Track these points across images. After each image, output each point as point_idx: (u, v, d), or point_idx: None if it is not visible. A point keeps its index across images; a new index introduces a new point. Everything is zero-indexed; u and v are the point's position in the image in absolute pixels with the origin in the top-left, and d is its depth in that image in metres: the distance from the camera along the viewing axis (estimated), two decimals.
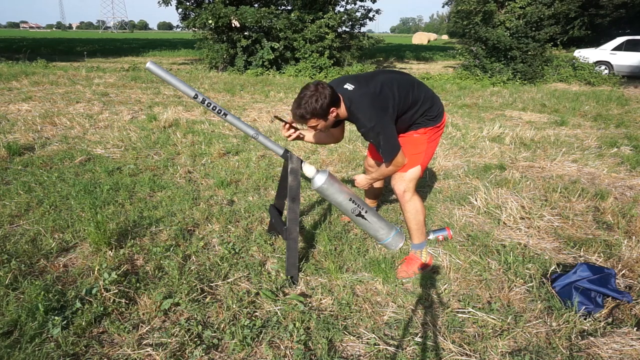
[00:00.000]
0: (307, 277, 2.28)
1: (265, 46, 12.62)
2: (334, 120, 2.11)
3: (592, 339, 1.82)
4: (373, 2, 14.40)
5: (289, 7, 14.23)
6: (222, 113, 2.01)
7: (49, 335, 1.77)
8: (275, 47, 12.63)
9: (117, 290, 2.02)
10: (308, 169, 2.25)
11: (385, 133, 2.04)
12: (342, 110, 2.10)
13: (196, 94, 1.93)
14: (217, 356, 1.73)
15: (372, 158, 2.64)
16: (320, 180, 2.24)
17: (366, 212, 2.36)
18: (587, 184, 3.78)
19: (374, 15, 14.72)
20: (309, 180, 2.45)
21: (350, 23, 14.31)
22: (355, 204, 2.33)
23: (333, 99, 2.00)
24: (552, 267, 2.39)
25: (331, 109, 2.02)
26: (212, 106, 1.99)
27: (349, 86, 2.09)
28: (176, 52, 23.17)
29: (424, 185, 3.73)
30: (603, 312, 2.00)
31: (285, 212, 2.31)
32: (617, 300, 2.04)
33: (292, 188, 2.14)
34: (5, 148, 4.09)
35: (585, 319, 1.95)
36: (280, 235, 2.60)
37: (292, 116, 2.08)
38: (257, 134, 2.10)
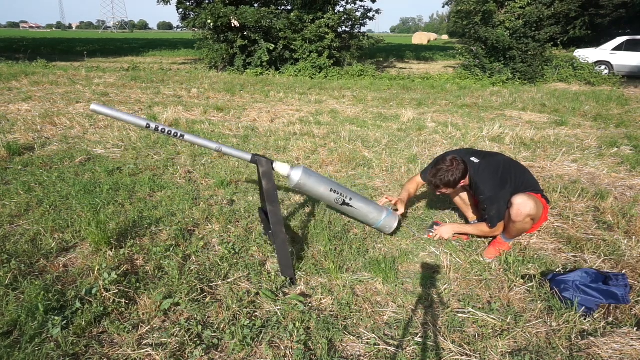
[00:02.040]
0: (307, 277, 2.28)
1: (262, 47, 12.61)
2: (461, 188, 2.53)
3: (592, 339, 1.82)
4: (373, 2, 14.40)
5: (289, 7, 14.23)
6: (179, 135, 2.01)
7: (49, 335, 1.77)
8: (271, 48, 12.61)
9: (117, 290, 2.02)
10: (282, 168, 2.17)
11: (499, 205, 2.39)
12: (466, 179, 2.47)
13: (148, 124, 1.95)
14: (217, 356, 1.73)
15: (472, 212, 2.89)
16: (296, 176, 2.17)
17: (351, 199, 2.28)
18: (587, 184, 3.78)
19: (373, 15, 14.72)
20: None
21: (350, 23, 14.30)
22: (338, 194, 2.23)
23: (465, 173, 2.41)
24: (557, 270, 2.39)
25: (461, 181, 2.40)
26: (167, 131, 1.99)
27: (475, 159, 2.49)
28: (176, 52, 23.18)
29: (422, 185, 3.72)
30: (602, 312, 2.00)
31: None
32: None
33: (268, 191, 2.09)
34: (5, 148, 4.09)
35: (585, 319, 1.95)
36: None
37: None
38: (220, 146, 2.07)
